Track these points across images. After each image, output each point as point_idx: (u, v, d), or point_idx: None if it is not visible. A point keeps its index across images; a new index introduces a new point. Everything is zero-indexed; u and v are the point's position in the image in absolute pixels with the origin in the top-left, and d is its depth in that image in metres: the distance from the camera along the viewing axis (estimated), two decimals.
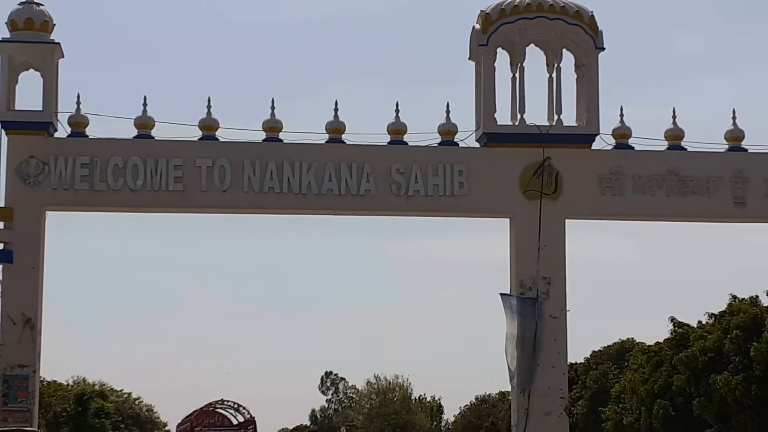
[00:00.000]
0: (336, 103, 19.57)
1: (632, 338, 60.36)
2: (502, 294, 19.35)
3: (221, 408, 47.85)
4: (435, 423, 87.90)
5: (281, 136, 19.35)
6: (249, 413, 47.30)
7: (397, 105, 19.67)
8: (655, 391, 43.14)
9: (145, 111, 19.23)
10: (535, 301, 19.01)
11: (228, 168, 19.00)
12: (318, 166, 19.15)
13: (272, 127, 19.34)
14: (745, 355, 38.64)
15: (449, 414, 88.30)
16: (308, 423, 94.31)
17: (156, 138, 19.14)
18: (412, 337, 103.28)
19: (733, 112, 20.06)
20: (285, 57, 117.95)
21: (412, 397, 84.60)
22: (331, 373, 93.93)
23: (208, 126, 19.23)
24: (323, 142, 19.39)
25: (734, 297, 42.60)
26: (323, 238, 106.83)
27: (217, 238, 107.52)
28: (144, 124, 19.15)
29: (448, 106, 19.70)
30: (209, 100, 19.36)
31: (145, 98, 19.28)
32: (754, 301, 42.07)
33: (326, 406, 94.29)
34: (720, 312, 42.43)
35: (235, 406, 47.69)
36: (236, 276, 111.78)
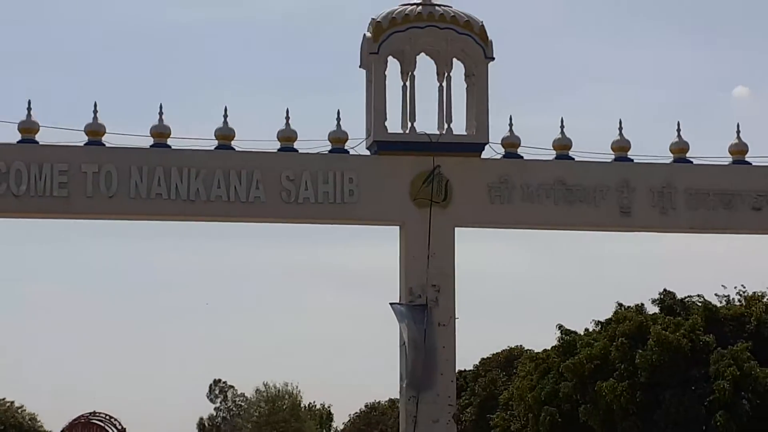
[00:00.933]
0: (225, 109, 19.42)
1: (520, 345, 61.02)
2: (392, 303, 19.35)
3: (96, 420, 47.53)
4: (324, 430, 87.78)
5: (169, 141, 19.15)
6: (120, 424, 47.23)
7: (287, 112, 19.59)
8: (543, 398, 43.58)
9: (29, 115, 18.87)
10: (424, 309, 19.06)
11: (115, 174, 18.72)
12: (207, 173, 18.97)
13: (160, 132, 19.11)
14: (630, 362, 39.23)
15: (339, 421, 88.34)
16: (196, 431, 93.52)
17: (40, 143, 18.80)
18: (301, 345, 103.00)
19: (620, 122, 20.34)
20: (174, 61, 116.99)
21: (302, 405, 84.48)
22: (219, 380, 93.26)
23: (94, 131, 18.93)
24: (212, 148, 19.22)
25: (620, 305, 43.25)
26: (211, 245, 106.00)
27: (103, 245, 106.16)
28: (28, 128, 18.78)
29: (338, 113, 19.69)
30: (95, 105, 19.08)
31: (29, 102, 18.93)
32: (640, 309, 42.75)
33: (214, 414, 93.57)
34: (606, 320, 43.05)
35: (107, 417, 47.44)
36: (122, 283, 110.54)
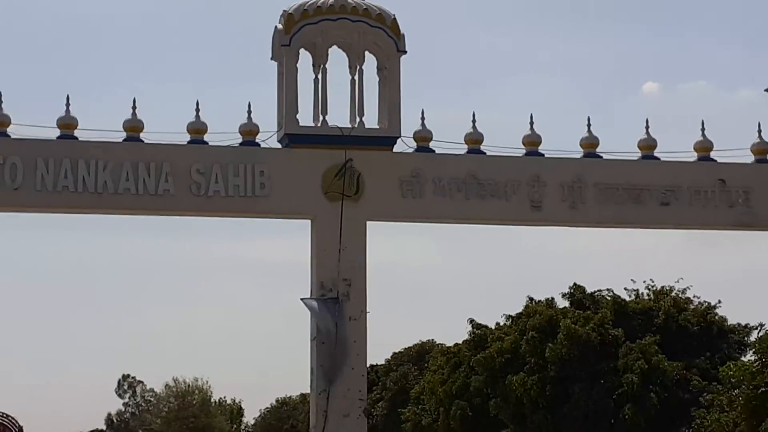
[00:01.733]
0: (134, 101, 19.18)
1: (432, 339, 61.18)
2: (302, 299, 19.25)
3: None
4: (235, 426, 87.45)
5: (77, 133, 18.84)
6: (17, 423, 47.08)
7: (197, 104, 19.40)
8: (454, 392, 43.75)
9: None
10: (336, 303, 18.99)
11: (20, 166, 18.38)
12: (114, 165, 18.70)
13: (67, 124, 18.80)
14: (540, 356, 39.50)
15: (249, 417, 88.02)
16: (104, 427, 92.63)
17: None
18: (212, 339, 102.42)
19: (531, 117, 20.43)
20: (82, 52, 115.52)
21: (212, 400, 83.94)
22: (128, 376, 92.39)
23: None
24: (120, 140, 18.96)
25: (531, 299, 43.51)
26: (120, 239, 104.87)
27: (8, 238, 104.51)
28: None
29: (249, 105, 19.55)
30: (0, 95, 18.73)
31: None
32: (550, 302, 43.06)
33: (123, 409, 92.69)
34: (517, 314, 43.28)
35: (3, 415, 47.17)
36: (27, 276, 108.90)
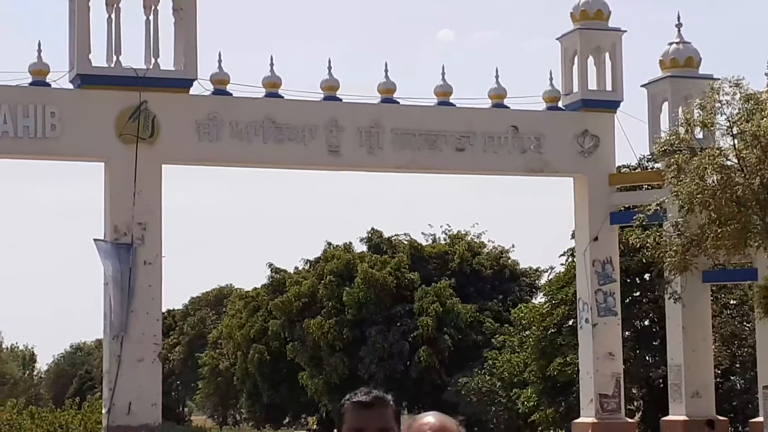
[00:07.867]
0: None
1: (231, 284, 61.02)
2: (95, 240, 18.93)
3: None
4: (28, 372, 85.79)
5: None
6: None
7: None
8: (251, 336, 43.79)
9: None
10: (130, 247, 18.72)
11: None
12: None
13: None
14: (338, 300, 39.80)
15: (43, 363, 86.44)
16: None
17: None
18: (1, 285, 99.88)
19: (329, 61, 20.46)
20: None
21: (3, 347, 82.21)
22: None
23: None
24: None
25: (329, 243, 43.76)
26: None
27: None
28: None
29: (39, 45, 19.02)
30: None
31: None
32: (348, 247, 43.37)
33: None
34: (315, 258, 43.48)
35: None
36: None
